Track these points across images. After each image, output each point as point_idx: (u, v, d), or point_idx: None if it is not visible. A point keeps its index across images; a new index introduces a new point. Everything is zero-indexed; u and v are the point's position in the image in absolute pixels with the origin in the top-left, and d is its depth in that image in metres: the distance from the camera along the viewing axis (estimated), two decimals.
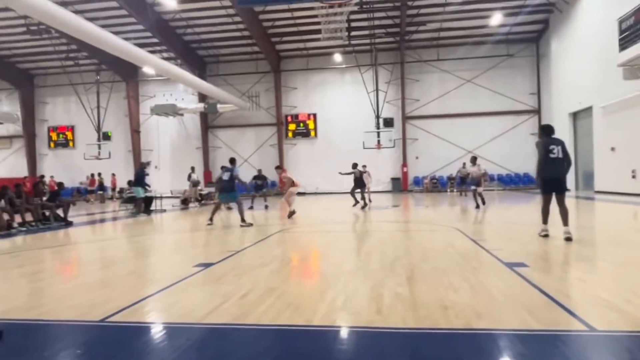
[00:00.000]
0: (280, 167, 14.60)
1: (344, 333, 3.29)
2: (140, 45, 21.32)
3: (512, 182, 26.91)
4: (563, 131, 23.08)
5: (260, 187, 18.90)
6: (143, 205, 15.65)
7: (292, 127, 29.04)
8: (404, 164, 27.73)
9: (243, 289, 4.45)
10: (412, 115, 27.89)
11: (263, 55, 27.59)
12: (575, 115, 22.46)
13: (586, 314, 3.41)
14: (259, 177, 19.05)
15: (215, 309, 3.83)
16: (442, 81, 27.60)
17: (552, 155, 7.13)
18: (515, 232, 8.51)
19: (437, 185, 27.29)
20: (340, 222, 11.70)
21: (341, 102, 28.37)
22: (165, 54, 27.09)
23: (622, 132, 17.57)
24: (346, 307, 3.83)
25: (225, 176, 11.10)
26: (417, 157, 28.00)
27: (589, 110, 20.41)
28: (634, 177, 16.80)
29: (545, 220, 7.51)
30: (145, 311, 4.02)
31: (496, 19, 23.84)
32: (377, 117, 26.27)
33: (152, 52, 22.69)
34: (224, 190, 11.06)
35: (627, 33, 15.18)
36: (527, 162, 26.93)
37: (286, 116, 29.07)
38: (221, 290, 4.48)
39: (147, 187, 15.80)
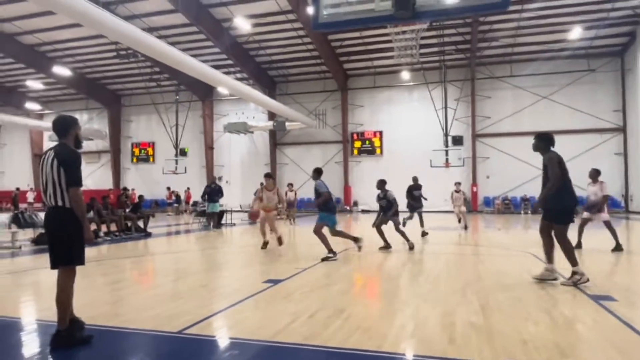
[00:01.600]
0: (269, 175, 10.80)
1: None
2: (216, 67, 22.51)
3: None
4: None
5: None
6: (216, 219, 16.29)
7: (357, 144, 29.09)
8: (474, 184, 26.72)
9: (311, 308, 4.46)
10: (483, 133, 26.91)
11: (331, 74, 28.04)
12: None
13: None
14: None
15: (284, 328, 3.87)
16: (515, 98, 26.44)
17: (568, 175, 5.60)
18: (599, 260, 7.86)
19: (509, 207, 25.98)
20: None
21: (408, 119, 28.03)
22: (238, 75, 28.36)
23: None
24: (416, 334, 3.72)
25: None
26: (487, 177, 26.90)
27: None
28: None
29: (576, 259, 5.67)
30: (217, 325, 4.14)
31: (575, 32, 22.55)
32: (446, 134, 25.63)
33: (226, 73, 23.89)
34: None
35: None
36: (611, 184, 24.87)
37: (352, 134, 29.19)
38: (290, 308, 4.53)
39: (216, 202, 16.09)
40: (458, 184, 15.25)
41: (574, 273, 5.51)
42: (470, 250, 9.78)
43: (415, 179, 13.04)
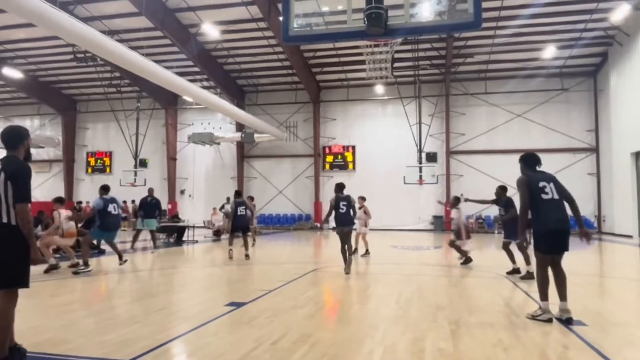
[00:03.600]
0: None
1: None
2: (182, 74, 22.33)
3: None
4: (624, 172, 22.22)
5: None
6: (160, 238, 15.76)
7: (329, 159, 29.28)
8: (448, 202, 27.22)
9: (275, 334, 4.44)
10: (457, 150, 27.59)
11: (303, 85, 28.25)
12: (638, 156, 21.58)
13: None
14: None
15: (247, 355, 3.83)
16: (490, 115, 27.28)
17: (545, 197, 5.38)
18: (571, 283, 8.10)
19: (483, 226, 26.58)
20: (377, 263, 11.53)
21: (381, 134, 28.47)
22: (205, 83, 28.21)
23: None
24: None
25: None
26: (461, 195, 27.45)
27: None
28: None
29: (546, 294, 5.32)
30: (175, 352, 4.07)
31: (549, 51, 23.57)
32: (420, 151, 26.13)
33: (192, 80, 23.73)
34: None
35: None
36: (584, 204, 25.93)
37: (324, 147, 29.39)
38: (253, 334, 4.49)
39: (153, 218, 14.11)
40: (362, 198, 12.77)
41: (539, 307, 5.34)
42: (443, 272, 9.95)
43: (340, 187, 9.77)
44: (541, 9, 20.29)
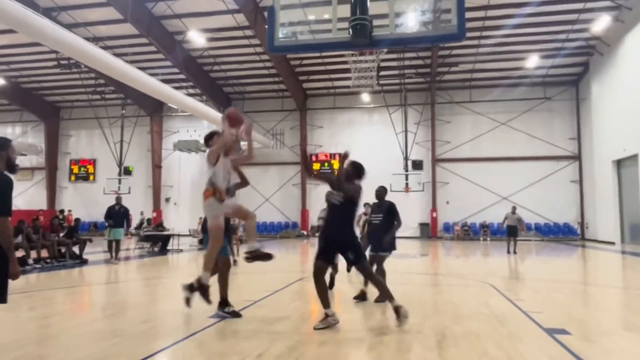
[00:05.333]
0: None
1: None
2: (167, 81, 22.22)
3: (551, 232, 26.19)
4: (606, 180, 22.60)
5: None
6: (144, 247, 15.51)
7: (316, 166, 29.29)
8: (434, 209, 27.41)
9: (260, 347, 4.38)
10: (443, 157, 27.81)
11: (289, 93, 28.30)
12: (619, 163, 21.97)
13: None
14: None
15: None
16: (475, 123, 27.59)
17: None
18: (555, 290, 8.20)
19: (468, 233, 26.78)
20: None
21: (368, 142, 28.56)
22: (191, 90, 28.09)
23: None
24: None
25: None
26: (447, 202, 27.69)
27: (634, 158, 19.95)
28: None
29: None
30: None
31: (532, 61, 23.98)
32: (406, 158, 26.29)
33: (178, 88, 23.62)
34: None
35: None
36: (567, 211, 26.34)
37: (311, 155, 29.39)
38: (237, 346, 4.43)
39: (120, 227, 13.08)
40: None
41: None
42: (430, 280, 9.97)
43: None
44: (524, 19, 20.66)
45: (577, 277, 11.31)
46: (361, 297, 7.03)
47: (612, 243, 21.72)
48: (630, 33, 19.90)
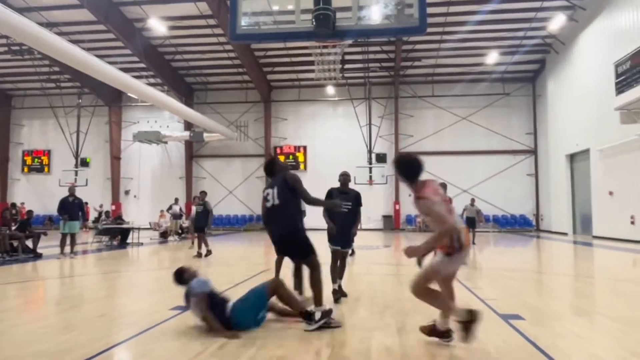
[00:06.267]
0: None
1: None
2: (126, 70, 21.55)
3: (508, 224, 27.10)
4: (560, 173, 23.55)
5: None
6: (102, 240, 15.07)
7: (280, 159, 29.18)
8: (397, 201, 27.85)
9: (221, 339, 4.35)
10: (406, 151, 28.24)
11: (253, 84, 28.01)
12: (572, 157, 22.93)
13: None
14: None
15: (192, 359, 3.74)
16: (437, 118, 28.14)
17: (267, 204, 5.01)
18: (511, 279, 8.51)
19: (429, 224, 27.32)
20: (326, 263, 11.58)
21: (332, 135, 28.71)
22: (151, 80, 27.36)
23: (620, 176, 17.93)
24: None
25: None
26: (410, 195, 28.08)
27: (586, 152, 20.88)
28: (632, 223, 17.04)
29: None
30: None
31: (492, 57, 24.63)
32: (370, 152, 26.54)
33: (138, 77, 22.94)
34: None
35: (623, 77, 15.75)
36: (523, 204, 27.30)
37: (275, 147, 29.26)
38: (199, 338, 4.39)
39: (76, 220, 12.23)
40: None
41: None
42: (392, 271, 10.14)
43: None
44: (485, 16, 21.16)
45: (531, 266, 11.78)
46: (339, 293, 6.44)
47: (565, 234, 22.70)
48: (583, 32, 20.73)
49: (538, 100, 27.13)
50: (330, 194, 6.47)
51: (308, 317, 4.75)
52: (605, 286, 8.12)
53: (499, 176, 27.38)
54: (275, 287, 5.04)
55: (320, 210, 6.16)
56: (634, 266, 11.17)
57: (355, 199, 6.56)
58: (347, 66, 24.73)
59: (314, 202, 5.13)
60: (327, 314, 4.77)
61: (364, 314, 5.49)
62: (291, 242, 5.01)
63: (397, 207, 27.81)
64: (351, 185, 6.78)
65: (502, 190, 27.21)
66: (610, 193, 18.63)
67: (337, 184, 6.67)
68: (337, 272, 6.50)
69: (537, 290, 7.78)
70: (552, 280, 8.31)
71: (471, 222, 16.88)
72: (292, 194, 4.98)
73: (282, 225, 4.95)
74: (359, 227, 6.78)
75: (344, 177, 6.70)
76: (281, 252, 5.50)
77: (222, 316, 4.61)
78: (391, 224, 27.76)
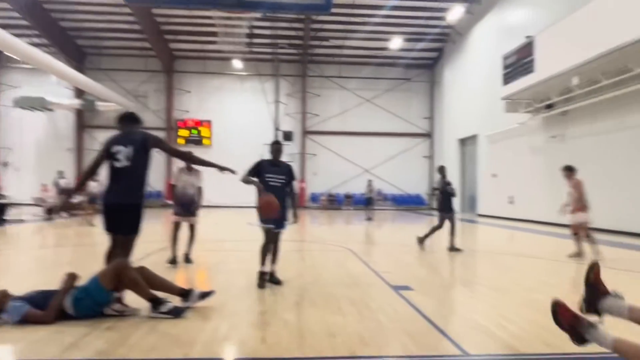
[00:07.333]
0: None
1: None
2: (5, 27, 19.18)
3: (405, 202, 28.76)
4: (452, 156, 25.37)
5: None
6: None
7: (183, 133, 28.05)
8: (302, 180, 28.20)
9: (111, 319, 4.14)
10: (312, 130, 28.60)
11: (154, 52, 26.42)
12: (463, 142, 24.79)
13: (461, 339, 3.74)
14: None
15: (78, 341, 3.51)
16: (342, 98, 28.75)
17: (116, 164, 4.41)
18: (404, 253, 9.08)
19: (333, 203, 28.16)
20: (231, 240, 11.51)
21: (239, 110, 28.14)
22: (36, 40, 24.61)
23: (502, 160, 19.77)
24: (230, 337, 3.76)
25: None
26: (315, 173, 28.68)
27: (474, 137, 22.69)
28: (511, 202, 18.93)
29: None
30: None
31: (396, 42, 25.59)
32: (277, 129, 26.49)
33: (19, 35, 20.50)
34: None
35: (510, 69, 17.22)
36: (419, 184, 29.07)
37: (177, 121, 28.03)
38: (86, 319, 4.12)
39: None
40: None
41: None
42: (295, 247, 10.30)
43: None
44: (390, 1, 21.85)
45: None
46: (269, 280, 5.75)
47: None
48: (478, 25, 22.29)
49: (436, 86, 28.81)
50: (260, 166, 5.73)
51: (156, 304, 4.24)
52: (486, 259, 8.99)
53: (398, 157, 28.83)
54: (110, 273, 4.19)
55: (246, 186, 5.73)
56: (511, 241, 12.48)
57: (288, 172, 5.88)
58: (255, 41, 24.25)
59: (199, 161, 4.81)
60: (175, 312, 4.21)
61: (264, 290, 5.52)
62: (130, 212, 4.40)
63: (302, 185, 28.18)
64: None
65: (401, 171, 28.73)
66: (494, 175, 20.49)
67: (244, 161, 6.16)
68: (271, 256, 5.82)
69: (426, 263, 8.38)
70: (441, 254, 9.00)
71: (370, 201, 17.71)
72: (147, 158, 4.55)
73: (129, 190, 4.40)
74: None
75: (276, 147, 5.88)
76: (112, 223, 4.41)
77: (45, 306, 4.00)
78: (296, 201, 28.08)
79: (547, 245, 11.22)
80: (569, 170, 8.60)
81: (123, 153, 4.41)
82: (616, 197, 12.70)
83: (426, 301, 5.01)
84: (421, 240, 9.56)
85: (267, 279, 5.67)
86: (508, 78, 17.24)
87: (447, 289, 6.16)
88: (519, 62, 16.52)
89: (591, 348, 2.73)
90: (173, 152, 4.73)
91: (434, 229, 9.58)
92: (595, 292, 2.83)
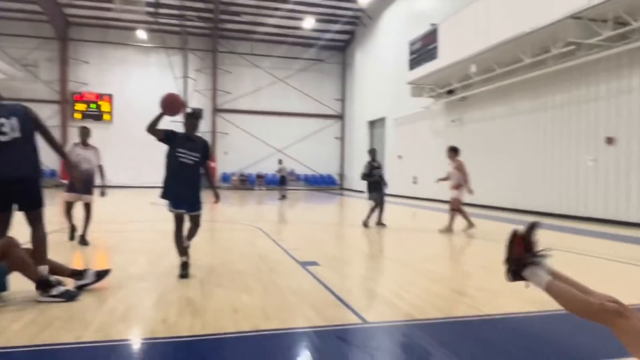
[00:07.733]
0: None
1: (119, 347, 3.07)
2: None
3: (316, 182, 29.22)
4: (362, 138, 26.12)
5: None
6: None
7: (80, 107, 25.96)
8: (213, 159, 27.49)
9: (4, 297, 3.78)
10: (223, 108, 27.88)
11: (46, 17, 23.99)
12: (372, 124, 25.61)
13: (363, 309, 3.91)
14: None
15: None
16: (255, 77, 28.28)
17: (2, 138, 3.90)
18: (314, 231, 9.26)
19: (245, 183, 27.86)
20: (133, 221, 10.97)
21: (144, 85, 26.55)
22: None
23: (407, 142, 20.75)
24: (128, 318, 3.59)
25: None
26: (226, 153, 28.09)
27: (383, 120, 23.54)
28: (414, 182, 19.99)
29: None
30: None
31: (308, 22, 25.58)
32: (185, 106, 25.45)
33: None
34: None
35: (415, 55, 17.98)
36: (330, 164, 29.65)
37: (73, 94, 25.87)
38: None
39: None
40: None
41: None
42: (204, 227, 10.04)
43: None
44: None
45: (333, 219, 13.01)
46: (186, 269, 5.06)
47: (363, 192, 25.48)
48: (388, 9, 22.94)
49: (347, 69, 29.33)
50: (174, 135, 5.11)
51: (44, 286, 3.92)
52: (390, 234, 9.43)
53: (310, 138, 29.10)
54: None
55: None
56: (413, 218, 13.22)
57: (204, 149, 5.26)
58: (161, 11, 22.92)
59: (61, 153, 4.53)
60: (67, 295, 3.95)
61: (168, 270, 5.34)
62: (30, 184, 4.06)
63: (213, 164, 27.47)
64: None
65: (313, 152, 29.07)
66: (400, 157, 21.46)
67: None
68: (187, 238, 5.32)
69: (335, 240, 8.63)
70: (349, 231, 9.32)
71: (282, 180, 17.81)
72: (34, 129, 4.12)
73: (24, 162, 3.99)
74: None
75: (191, 120, 5.28)
76: (9, 199, 4.01)
77: None
78: (206, 182, 27.36)
79: (444, 221, 12.03)
80: (453, 152, 9.31)
81: (7, 125, 3.94)
82: (508, 175, 13.90)
83: (332, 275, 5.16)
84: (365, 223, 9.78)
85: (189, 268, 5.09)
86: (414, 63, 18.00)
87: (352, 264, 6.39)
88: (423, 49, 17.29)
89: (474, 310, 2.98)
90: (48, 135, 4.26)
91: (372, 210, 9.90)
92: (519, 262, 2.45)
